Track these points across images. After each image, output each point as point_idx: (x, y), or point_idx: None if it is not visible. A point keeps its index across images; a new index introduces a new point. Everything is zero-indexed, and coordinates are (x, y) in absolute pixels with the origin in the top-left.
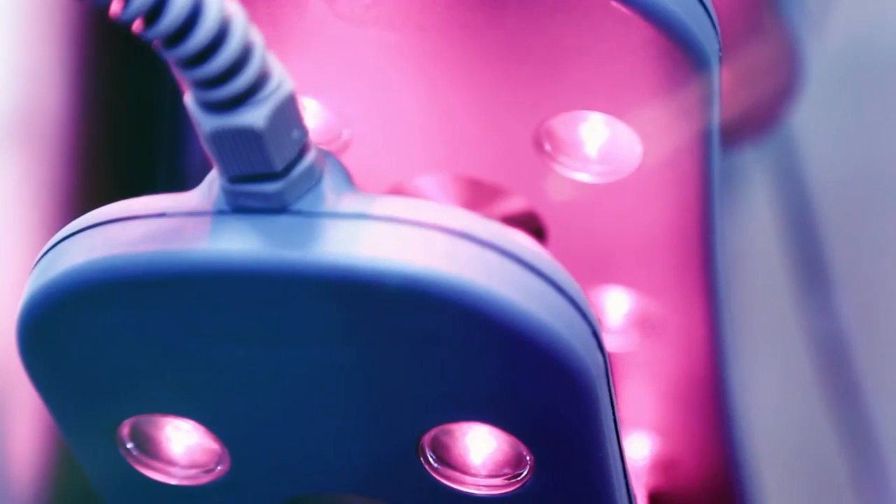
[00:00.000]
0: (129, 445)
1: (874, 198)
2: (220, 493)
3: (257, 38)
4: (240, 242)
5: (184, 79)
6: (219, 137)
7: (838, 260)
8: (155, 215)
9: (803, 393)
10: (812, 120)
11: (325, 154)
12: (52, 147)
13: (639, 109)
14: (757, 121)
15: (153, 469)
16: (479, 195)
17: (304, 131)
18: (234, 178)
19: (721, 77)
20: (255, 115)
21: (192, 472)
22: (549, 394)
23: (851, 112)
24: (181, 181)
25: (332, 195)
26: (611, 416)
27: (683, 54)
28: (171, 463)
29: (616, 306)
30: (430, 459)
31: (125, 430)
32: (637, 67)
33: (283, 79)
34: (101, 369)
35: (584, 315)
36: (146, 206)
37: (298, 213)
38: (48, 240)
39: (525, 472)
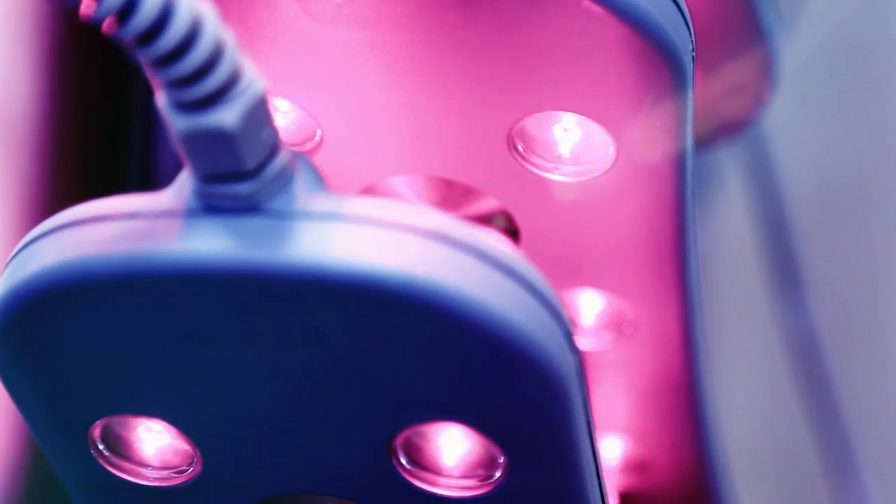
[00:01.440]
0: (101, 446)
1: (847, 197)
2: (192, 495)
3: (229, 37)
4: (211, 243)
5: (155, 79)
6: (190, 137)
7: (811, 259)
8: (126, 216)
9: (776, 393)
10: (785, 119)
11: (296, 155)
12: (24, 148)
13: (612, 109)
14: (730, 120)
15: (125, 470)
16: (451, 195)
17: (274, 131)
18: (205, 178)
19: (694, 77)
20: (226, 115)
21: (164, 473)
22: (522, 395)
23: (824, 112)
24: (153, 181)
25: (303, 195)
26: (584, 417)
27: (657, 54)
28: (142, 464)
29: (589, 307)
30: (403, 461)
31: (97, 431)
32: (610, 67)
33: (254, 79)
34: (72, 370)
35: (557, 316)
36: (118, 207)
37: (270, 213)
38: (19, 240)
39: (498, 474)
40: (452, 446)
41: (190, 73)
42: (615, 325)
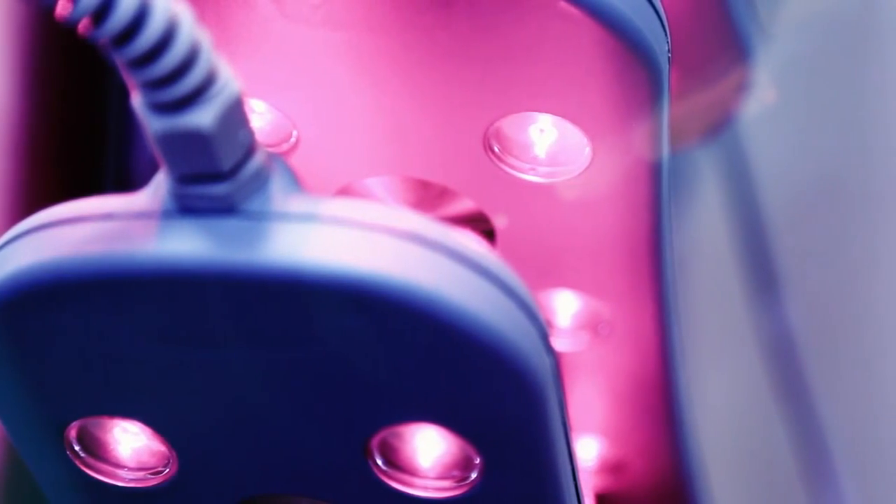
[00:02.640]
0: (77, 448)
1: (824, 198)
2: (168, 496)
3: (204, 38)
4: (187, 244)
5: (131, 80)
6: (166, 138)
7: (787, 260)
8: (102, 217)
9: (752, 393)
10: (761, 120)
11: (272, 156)
12: None
13: (588, 110)
14: (706, 121)
15: (101, 471)
16: (427, 197)
17: (250, 132)
18: (181, 179)
19: (670, 77)
20: (202, 116)
21: (140, 474)
22: (498, 396)
23: (800, 112)
24: (129, 182)
25: (279, 197)
26: (560, 418)
27: (632, 55)
28: (118, 465)
29: (565, 308)
30: (379, 462)
31: (72, 432)
32: (586, 68)
33: (230, 80)
34: (48, 372)
35: (533, 317)
36: (94, 208)
37: (246, 214)
38: None
39: (474, 475)
40: (428, 447)
41: (166, 74)
42: (591, 325)
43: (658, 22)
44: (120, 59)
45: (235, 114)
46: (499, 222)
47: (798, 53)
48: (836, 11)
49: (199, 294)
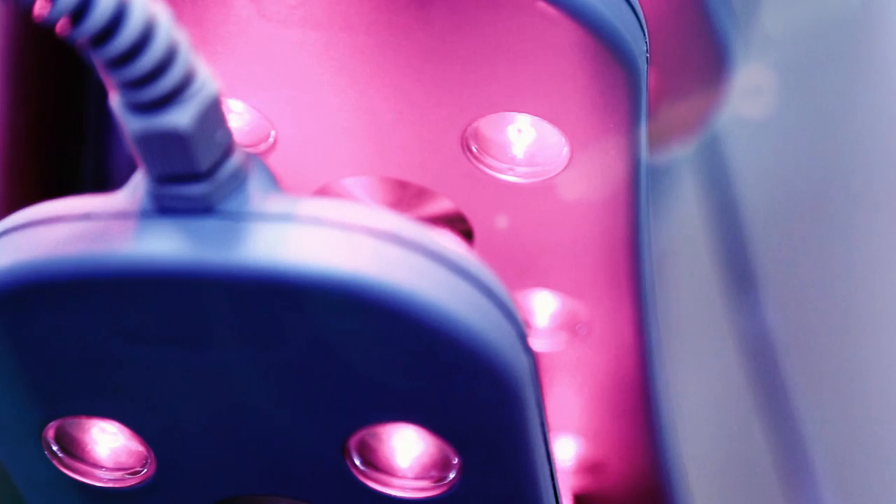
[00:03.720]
0: (55, 448)
1: (802, 198)
2: (147, 496)
3: (182, 38)
4: (165, 245)
5: (109, 80)
6: (144, 138)
7: (765, 260)
8: (80, 217)
9: (731, 394)
10: (739, 120)
11: (249, 156)
12: None
13: (566, 110)
14: (685, 122)
15: (78, 471)
16: (405, 197)
17: (228, 132)
18: (159, 179)
19: (649, 78)
20: (180, 116)
21: (118, 474)
22: (476, 396)
23: (778, 112)
24: (107, 183)
25: (257, 197)
26: (538, 418)
27: (611, 55)
28: (96, 465)
29: (543, 308)
30: (357, 462)
31: (50, 432)
32: (564, 68)
33: (208, 80)
34: (26, 371)
35: (511, 317)
36: (72, 208)
37: (224, 214)
38: None
39: (452, 475)
40: (407, 447)
41: (144, 75)
42: (569, 325)
43: (636, 22)
44: (98, 59)
45: (213, 114)
46: (477, 222)
47: (776, 53)
48: (815, 11)
49: (177, 294)
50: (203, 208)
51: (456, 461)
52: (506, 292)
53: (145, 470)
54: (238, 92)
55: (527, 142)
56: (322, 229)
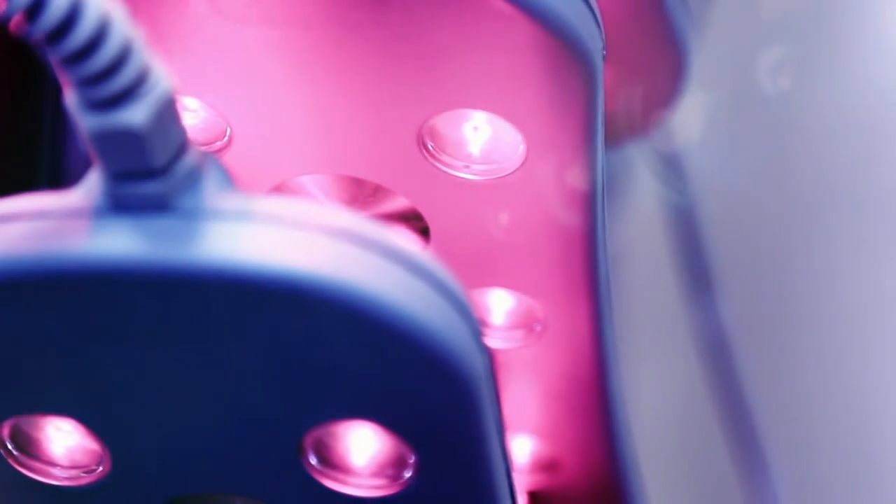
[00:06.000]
0: (10, 446)
1: (758, 197)
2: (102, 494)
3: (137, 36)
4: (120, 243)
5: (64, 77)
6: (99, 136)
7: (722, 259)
8: (35, 215)
9: (687, 392)
10: (696, 119)
11: (204, 154)
12: None
13: (522, 108)
14: (641, 119)
15: (34, 470)
16: (361, 195)
17: (183, 130)
18: (114, 177)
19: (605, 75)
20: (135, 114)
21: (73, 472)
22: (432, 394)
23: (734, 111)
24: (62, 181)
25: (212, 195)
26: (493, 416)
27: (567, 52)
28: (51, 463)
29: (499, 306)
30: (313, 460)
31: (5, 430)
32: (520, 65)
33: (163, 77)
34: None
35: (466, 315)
36: (26, 206)
37: (179, 212)
38: None
39: (408, 473)
40: (362, 445)
41: (99, 72)
42: (525, 324)
43: (592, 19)
44: (53, 56)
45: (168, 111)
46: (433, 220)
47: (732, 51)
48: (771, 10)
49: (132, 292)
50: (158, 206)
51: (412, 459)
52: (462, 290)
53: (100, 468)
54: (193, 89)
55: (483, 139)
56: (278, 228)
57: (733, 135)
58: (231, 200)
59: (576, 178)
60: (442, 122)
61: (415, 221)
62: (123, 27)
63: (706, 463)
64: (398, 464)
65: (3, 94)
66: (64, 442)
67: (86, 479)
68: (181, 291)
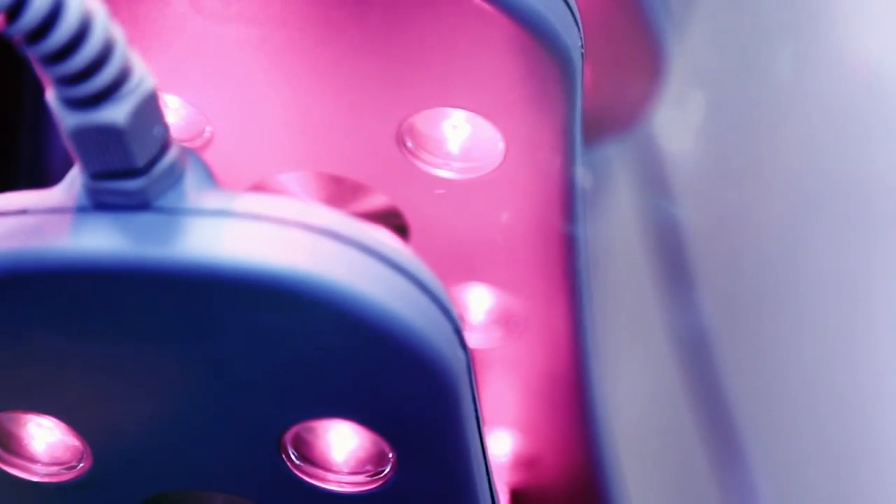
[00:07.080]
0: None
1: (735, 195)
2: (83, 491)
3: (118, 34)
4: (101, 240)
5: (45, 75)
6: (80, 134)
7: (700, 256)
8: (16, 212)
9: (666, 390)
10: (674, 117)
11: (186, 151)
12: None
13: (501, 106)
14: (620, 117)
15: (14, 466)
16: (341, 192)
17: (165, 128)
18: (95, 174)
19: (584, 73)
20: (116, 112)
21: (54, 469)
22: (411, 391)
23: (713, 109)
24: (43, 178)
25: (194, 192)
26: (473, 413)
27: (545, 50)
28: (32, 460)
29: (478, 303)
30: (293, 456)
31: None
32: (499, 64)
33: (144, 75)
34: None
35: (446, 312)
36: (7, 204)
37: (160, 210)
38: None
39: (387, 470)
40: (342, 442)
41: (80, 71)
42: (504, 321)
43: (571, 18)
44: (34, 55)
45: (149, 109)
46: (412, 218)
47: (711, 49)
48: (750, 9)
49: (113, 289)
50: (139, 203)
51: (391, 456)
52: (441, 287)
53: (81, 464)
54: (174, 87)
55: (462, 137)
56: (258, 225)
57: (713, 131)
58: (212, 197)
59: (555, 175)
60: (421, 121)
61: (394, 219)
62: (105, 26)
63: (685, 460)
64: (378, 460)
65: None
66: (45, 438)
67: (67, 476)
68: (162, 288)
